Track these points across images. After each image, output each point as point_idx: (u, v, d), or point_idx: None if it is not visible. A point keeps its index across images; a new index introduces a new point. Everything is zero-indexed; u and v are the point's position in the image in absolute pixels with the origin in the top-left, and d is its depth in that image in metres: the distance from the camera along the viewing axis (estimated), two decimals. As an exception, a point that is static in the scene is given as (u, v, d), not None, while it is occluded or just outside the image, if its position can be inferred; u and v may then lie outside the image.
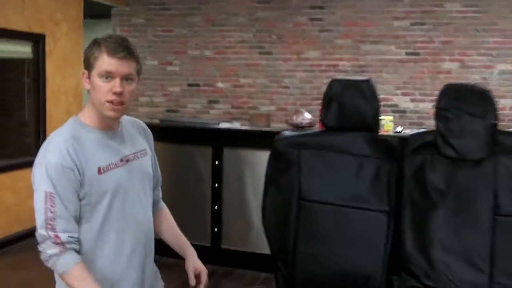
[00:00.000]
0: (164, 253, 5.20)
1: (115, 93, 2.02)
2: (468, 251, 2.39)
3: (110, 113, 2.07)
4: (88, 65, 2.07)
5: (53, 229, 1.99)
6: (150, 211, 2.30)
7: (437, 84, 6.79)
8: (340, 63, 7.15)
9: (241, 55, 7.39)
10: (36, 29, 6.55)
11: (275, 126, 6.22)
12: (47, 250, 2.01)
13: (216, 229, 5.64)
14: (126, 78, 2.05)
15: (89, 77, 2.07)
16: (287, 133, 2.78)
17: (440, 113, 2.43)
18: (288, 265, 2.61)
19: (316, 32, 7.15)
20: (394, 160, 2.54)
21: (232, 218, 5.43)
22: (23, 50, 6.65)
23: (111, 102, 2.04)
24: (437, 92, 6.74)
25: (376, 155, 2.56)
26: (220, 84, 7.48)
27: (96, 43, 2.06)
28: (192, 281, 2.32)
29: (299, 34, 7.19)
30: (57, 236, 1.99)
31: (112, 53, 2.02)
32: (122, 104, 2.05)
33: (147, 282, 2.25)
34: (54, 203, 1.99)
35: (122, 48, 2.04)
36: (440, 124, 2.42)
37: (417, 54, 6.95)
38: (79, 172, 2.02)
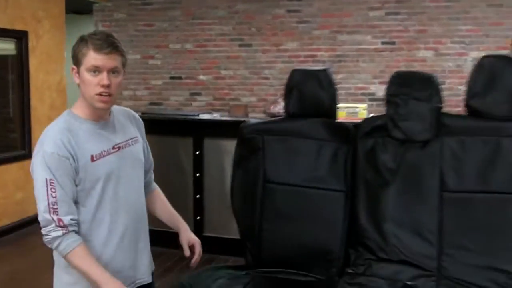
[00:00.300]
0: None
1: (103, 86, 2.18)
2: (417, 225, 2.58)
3: (100, 105, 2.23)
4: (77, 61, 2.22)
5: (56, 213, 2.16)
6: (143, 195, 2.48)
7: (413, 72, 6.98)
8: (318, 53, 7.27)
9: (222, 48, 7.51)
10: (19, 26, 6.65)
11: (253, 116, 6.38)
12: (51, 233, 2.17)
13: (198, 217, 5.80)
14: (112, 71, 2.20)
15: (78, 72, 2.23)
16: (252, 120, 2.98)
17: (390, 99, 2.61)
18: (255, 243, 2.80)
19: (294, 23, 7.26)
20: (350, 143, 2.73)
21: (214, 206, 5.58)
22: (7, 47, 6.76)
23: (99, 94, 2.19)
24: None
25: (333, 139, 2.75)
26: (201, 77, 7.61)
27: (83, 40, 2.21)
28: (187, 252, 2.55)
29: (277, 26, 7.30)
30: (60, 220, 2.16)
31: (98, 49, 2.17)
32: (110, 96, 2.21)
33: (140, 262, 2.43)
34: (54, 188, 2.16)
35: (107, 44, 2.19)
36: (389, 109, 2.61)
37: (393, 43, 7.07)
38: (74, 160, 2.19)
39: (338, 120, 2.92)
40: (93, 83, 2.19)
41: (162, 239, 5.05)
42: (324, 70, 2.82)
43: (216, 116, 6.15)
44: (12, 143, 6.95)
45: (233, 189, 2.88)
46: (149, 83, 7.66)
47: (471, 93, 2.56)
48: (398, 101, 2.58)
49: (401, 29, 7.00)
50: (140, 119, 2.56)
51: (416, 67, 6.93)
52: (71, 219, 2.20)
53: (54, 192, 2.16)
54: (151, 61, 7.63)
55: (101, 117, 2.32)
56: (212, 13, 7.47)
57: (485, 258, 2.48)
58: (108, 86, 2.19)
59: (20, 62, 6.78)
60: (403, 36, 7.02)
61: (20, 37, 6.71)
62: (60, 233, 2.17)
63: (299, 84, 2.80)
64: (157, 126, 5.92)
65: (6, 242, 6.27)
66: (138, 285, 2.42)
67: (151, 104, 7.58)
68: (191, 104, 7.64)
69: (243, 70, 7.48)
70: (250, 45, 7.44)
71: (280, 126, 2.87)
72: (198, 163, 5.63)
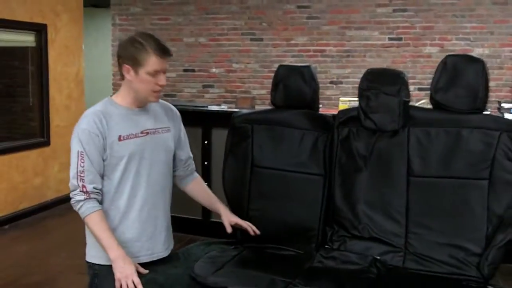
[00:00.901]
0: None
1: (161, 86, 2.58)
2: (387, 206, 2.83)
3: (155, 99, 2.64)
4: (136, 63, 2.54)
5: (82, 180, 2.53)
6: (167, 178, 2.80)
7: (419, 68, 7.12)
8: (327, 48, 7.44)
9: (234, 42, 7.70)
10: (38, 20, 6.95)
11: (258, 107, 6.62)
12: (76, 196, 2.55)
13: (206, 203, 6.09)
14: (164, 71, 2.60)
15: (135, 72, 2.55)
16: (243, 111, 3.25)
17: (362, 93, 2.87)
18: (243, 220, 3.07)
19: (304, 19, 7.42)
20: (329, 132, 2.99)
21: (221, 192, 5.79)
22: (27, 39, 7.06)
23: (156, 91, 2.59)
24: (418, 76, 7.08)
25: (314, 128, 3.02)
26: (214, 70, 7.82)
27: (142, 45, 2.53)
28: (229, 229, 2.94)
29: (288, 21, 7.47)
30: (84, 186, 2.53)
31: (161, 56, 2.54)
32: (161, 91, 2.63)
33: (159, 237, 2.75)
34: (84, 160, 2.53)
35: (167, 51, 2.57)
36: (362, 102, 2.86)
37: (400, 39, 7.18)
38: (103, 138, 2.55)
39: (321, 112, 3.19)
40: (152, 83, 2.56)
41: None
42: (308, 67, 3.08)
43: (224, 107, 6.41)
44: (31, 130, 7.24)
45: (224, 173, 3.15)
46: None
47: (436, 89, 2.79)
48: (370, 95, 2.83)
49: (408, 25, 7.11)
50: (178, 113, 2.92)
51: (422, 63, 7.09)
52: (94, 188, 2.56)
53: (83, 162, 2.53)
54: None
55: (139, 105, 2.67)
56: (224, 8, 7.66)
57: (446, 236, 2.70)
58: (163, 85, 2.59)
59: (39, 54, 7.08)
60: (410, 33, 7.11)
61: (40, 30, 7.00)
62: (82, 197, 2.54)
63: (284, 78, 3.06)
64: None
65: (25, 224, 6.61)
66: (155, 258, 2.72)
67: (165, 95, 7.78)
68: (204, 96, 7.86)
69: (254, 63, 7.67)
70: (261, 40, 7.62)
71: (267, 116, 3.14)
72: (206, 152, 5.88)
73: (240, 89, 7.69)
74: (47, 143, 7.23)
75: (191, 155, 3.00)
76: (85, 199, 2.54)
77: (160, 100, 2.82)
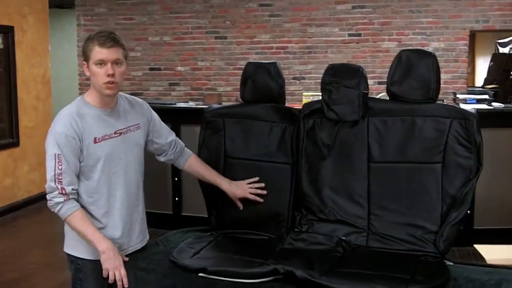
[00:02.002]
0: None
1: (108, 76, 2.61)
2: (350, 191, 3.03)
3: (108, 92, 2.66)
4: (86, 57, 2.66)
5: (60, 182, 2.61)
6: (140, 174, 2.93)
7: (378, 62, 7.31)
8: (289, 45, 7.56)
9: (198, 40, 7.79)
10: (5, 22, 7.00)
11: (225, 104, 6.78)
12: (54, 199, 2.63)
13: (177, 198, 6.23)
14: (115, 62, 2.63)
15: (87, 66, 2.68)
16: (214, 105, 3.44)
17: (324, 86, 3.07)
18: (217, 208, 3.26)
19: (266, 17, 7.54)
20: (295, 124, 3.19)
21: (191, 187, 5.84)
22: (-6, 42, 7.14)
23: (107, 83, 2.62)
24: (378, 70, 7.28)
25: (282, 121, 3.21)
26: (179, 68, 7.89)
27: (89, 39, 2.68)
28: (240, 206, 3.11)
29: (250, 19, 7.58)
30: (63, 188, 2.61)
31: (102, 44, 2.60)
32: (115, 83, 2.65)
33: (133, 232, 2.89)
34: (61, 162, 2.60)
35: (110, 39, 2.62)
36: (324, 95, 3.07)
37: (359, 35, 7.32)
38: (79, 140, 2.65)
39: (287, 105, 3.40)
40: (101, 74, 2.63)
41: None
42: (274, 63, 3.27)
43: (192, 104, 6.57)
44: (0, 132, 7.30)
45: (199, 164, 3.34)
46: (130, 74, 7.84)
47: (392, 81, 3.01)
48: (331, 88, 3.04)
49: (367, 21, 7.29)
50: (146, 104, 3.02)
51: (381, 58, 7.28)
52: (72, 189, 2.65)
53: (60, 165, 2.61)
54: (131, 53, 7.78)
55: (108, 105, 2.77)
56: (188, 7, 7.70)
57: (405, 216, 2.92)
58: (112, 75, 2.63)
59: (7, 56, 7.13)
60: (369, 28, 7.28)
61: (7, 32, 7.04)
62: (61, 199, 2.62)
63: (252, 75, 3.25)
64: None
65: (-3, 224, 6.68)
66: (130, 251, 2.85)
67: (132, 94, 7.83)
68: (170, 94, 7.93)
69: (219, 61, 7.77)
70: (225, 38, 7.71)
71: (237, 110, 3.33)
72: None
73: (206, 87, 7.80)
74: (16, 144, 7.30)
75: (174, 136, 3.13)
76: (65, 200, 2.63)
77: (128, 96, 2.95)
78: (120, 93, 2.85)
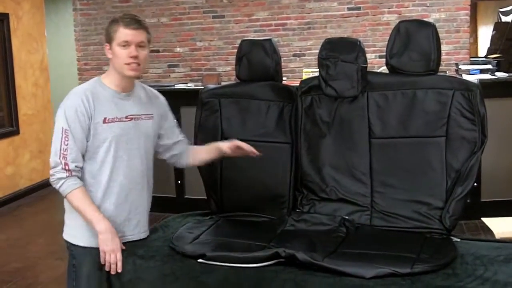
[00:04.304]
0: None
1: (132, 57, 2.58)
2: (352, 169, 2.97)
3: (130, 73, 2.62)
4: (109, 38, 2.63)
5: (65, 158, 2.57)
6: (147, 164, 2.81)
7: (378, 36, 7.22)
8: (288, 21, 7.48)
9: (196, 20, 7.69)
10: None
11: (224, 84, 6.70)
12: (57, 174, 2.59)
13: (179, 181, 6.19)
14: (139, 45, 2.61)
15: (110, 48, 2.64)
16: (210, 86, 3.36)
17: (322, 62, 3.00)
18: (217, 192, 3.19)
19: None
20: (293, 102, 3.11)
21: (193, 169, 5.88)
22: (-11, 29, 7.06)
23: (129, 64, 2.59)
24: (379, 43, 7.20)
25: (279, 99, 3.14)
26: (178, 49, 7.82)
27: (114, 20, 2.65)
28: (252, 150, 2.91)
29: None
30: (66, 164, 2.57)
31: (127, 25, 2.58)
32: (138, 65, 2.62)
33: (130, 222, 2.78)
34: (68, 137, 2.57)
35: (135, 21, 2.62)
36: (321, 71, 2.99)
37: (358, 8, 7.22)
38: (89, 118, 2.60)
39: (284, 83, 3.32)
40: (124, 55, 2.60)
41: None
42: (269, 40, 3.19)
43: (190, 85, 6.50)
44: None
45: (196, 146, 3.27)
46: None
47: (391, 54, 2.92)
48: (328, 63, 2.96)
49: None
50: (164, 101, 2.97)
51: (382, 31, 7.18)
52: (76, 166, 2.61)
53: (67, 140, 2.58)
54: None
55: (124, 89, 2.71)
56: (184, -13, 7.70)
57: (409, 193, 2.85)
58: (136, 57, 2.59)
59: (3, 43, 7.07)
60: (368, 2, 7.14)
61: (1, 19, 6.97)
62: (64, 175, 2.58)
63: (247, 53, 3.17)
64: (136, 98, 6.28)
65: (1, 213, 6.65)
66: (124, 241, 2.73)
67: (131, 77, 7.84)
68: (170, 75, 7.87)
69: (217, 41, 7.70)
70: (223, 17, 7.63)
71: (233, 90, 3.25)
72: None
73: (205, 67, 7.73)
74: (16, 132, 7.25)
75: (181, 138, 3.03)
76: (67, 176, 2.58)
77: (147, 87, 2.89)
78: (140, 82, 2.84)
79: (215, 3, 7.62)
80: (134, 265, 2.62)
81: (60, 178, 2.60)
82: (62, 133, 2.58)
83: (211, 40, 7.71)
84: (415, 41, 2.86)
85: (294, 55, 7.44)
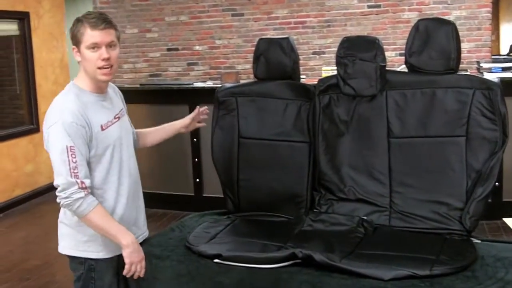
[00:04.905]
0: (151, 205, 5.72)
1: (103, 60, 2.43)
2: (370, 168, 2.94)
3: (103, 77, 2.48)
4: (76, 41, 2.46)
5: (77, 176, 2.38)
6: (136, 161, 2.79)
7: (398, 33, 7.14)
8: (307, 19, 7.42)
9: (215, 18, 7.66)
10: (20, 8, 6.95)
11: (243, 82, 6.68)
12: (74, 195, 2.39)
13: (197, 180, 6.18)
14: (109, 45, 2.46)
15: (79, 51, 2.49)
16: (227, 84, 3.34)
17: (339, 60, 2.97)
18: (234, 191, 3.18)
19: None
20: (311, 101, 3.09)
21: (211, 168, 5.84)
22: (10, 28, 7.06)
23: (101, 68, 2.46)
24: (399, 41, 7.15)
25: (297, 98, 3.12)
26: (197, 47, 7.80)
27: (79, 21, 2.47)
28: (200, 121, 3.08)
29: None
30: (82, 182, 2.39)
31: (94, 27, 2.41)
32: (111, 67, 2.50)
33: (139, 220, 2.78)
34: (75, 154, 2.38)
35: (102, 21, 2.45)
36: (340, 69, 2.96)
37: (378, 6, 7.15)
38: (89, 128, 2.47)
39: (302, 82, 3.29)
40: (94, 58, 2.44)
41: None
42: (287, 38, 3.17)
43: (209, 84, 6.50)
44: (20, 118, 7.28)
45: (213, 146, 3.24)
46: (148, 56, 7.84)
47: (410, 53, 2.89)
48: (347, 62, 2.93)
49: None
50: (121, 93, 2.85)
51: (402, 28, 7.10)
52: (89, 183, 2.45)
53: (74, 157, 2.39)
54: (148, 35, 7.79)
55: (101, 90, 2.59)
56: (204, -15, 7.69)
57: (429, 193, 2.81)
58: (108, 59, 2.45)
59: (23, 42, 7.10)
60: (388, -1, 7.21)
61: (22, 18, 7.00)
62: (82, 194, 2.40)
63: (265, 51, 3.15)
64: (155, 96, 6.32)
65: (20, 211, 6.69)
66: (139, 241, 2.69)
67: (150, 75, 7.84)
68: (189, 74, 7.86)
69: (236, 39, 7.67)
70: (242, 15, 7.59)
71: (250, 89, 3.23)
72: (195, 129, 5.94)
73: (224, 65, 7.70)
74: (36, 130, 7.27)
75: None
76: (86, 195, 2.41)
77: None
78: None
79: (234, 1, 7.59)
80: (150, 264, 2.61)
81: (78, 199, 2.41)
82: (67, 151, 2.39)
83: (230, 38, 7.68)
84: (434, 39, 2.82)
85: (314, 53, 7.39)
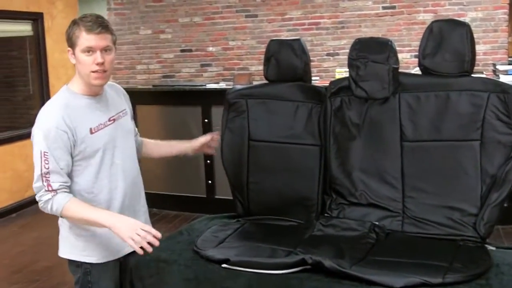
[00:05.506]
0: (164, 206, 5.69)
1: (97, 64, 2.39)
2: (382, 172, 2.88)
3: (96, 82, 2.45)
4: (71, 44, 2.43)
5: (47, 180, 2.37)
6: (136, 162, 2.75)
7: (413, 35, 7.07)
8: (321, 20, 7.38)
9: (229, 20, 7.65)
10: (34, 8, 6.96)
11: (256, 83, 6.64)
12: (42, 197, 2.39)
13: (210, 181, 6.15)
14: (105, 49, 2.42)
15: (73, 53, 2.45)
16: (237, 86, 3.30)
17: (351, 62, 2.91)
18: (243, 194, 3.13)
19: None
20: (322, 103, 3.03)
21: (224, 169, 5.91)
22: (24, 28, 7.07)
23: (95, 72, 2.42)
24: (414, 43, 7.09)
25: (308, 100, 3.07)
26: (211, 48, 7.78)
27: (75, 24, 2.43)
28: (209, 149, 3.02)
29: None
30: (49, 185, 2.37)
31: (90, 30, 2.37)
32: (105, 72, 2.45)
33: None
34: (48, 160, 2.36)
35: (97, 25, 2.40)
36: (351, 72, 2.91)
37: (393, 7, 7.10)
38: (72, 134, 2.42)
39: (315, 84, 3.24)
40: (88, 62, 2.40)
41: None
42: (298, 40, 3.12)
43: (222, 85, 6.47)
44: (33, 119, 7.23)
45: (222, 148, 3.20)
46: (161, 57, 7.84)
47: (423, 54, 2.83)
48: (359, 64, 2.87)
49: None
50: (127, 94, 2.81)
51: (417, 30, 7.03)
52: (60, 185, 2.39)
53: (47, 163, 2.37)
54: (162, 36, 7.79)
55: (96, 93, 2.55)
56: (218, -13, 7.67)
57: (442, 198, 2.75)
58: (102, 64, 2.41)
59: (37, 43, 7.10)
60: (403, 0, 6.99)
61: (36, 18, 7.01)
62: (49, 195, 2.38)
63: (275, 53, 3.11)
64: (167, 97, 6.29)
65: (32, 212, 6.64)
66: None
67: (164, 77, 7.83)
68: (202, 75, 7.84)
69: (250, 40, 7.64)
70: (256, 16, 7.57)
71: (261, 91, 3.19)
72: (207, 131, 5.86)
73: (238, 66, 7.68)
74: (49, 130, 7.27)
75: (136, 131, 2.91)
76: (53, 196, 2.39)
77: (110, 83, 2.71)
78: None
79: (248, 2, 7.56)
80: (157, 268, 2.58)
81: (48, 200, 2.39)
82: (41, 157, 2.38)
83: (243, 40, 7.66)
84: (448, 41, 2.76)
85: (328, 55, 7.34)
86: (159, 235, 2.33)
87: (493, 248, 2.61)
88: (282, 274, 2.39)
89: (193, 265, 2.56)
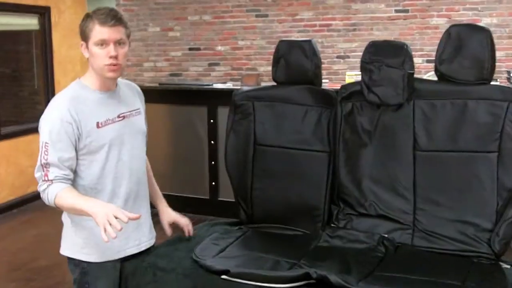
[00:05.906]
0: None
1: (111, 57, 2.37)
2: (393, 183, 2.76)
3: (110, 74, 2.41)
4: (85, 37, 2.41)
5: (46, 171, 2.35)
6: (144, 163, 2.68)
7: (426, 40, 6.99)
8: (333, 22, 7.31)
9: (239, 19, 7.58)
10: (41, 2, 6.90)
11: (264, 84, 6.54)
12: (41, 187, 2.37)
13: (213, 183, 6.04)
14: (118, 42, 2.40)
15: (87, 47, 2.41)
16: (244, 88, 3.18)
17: (364, 66, 2.79)
18: (247, 200, 3.01)
19: None
20: (332, 108, 2.91)
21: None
22: (30, 22, 7.00)
23: (109, 65, 2.38)
24: (426, 48, 6.99)
25: (317, 104, 2.94)
26: (219, 47, 7.72)
27: (88, 17, 2.41)
28: (168, 232, 2.77)
29: None
30: (46, 175, 2.35)
31: (103, 23, 2.35)
32: (118, 65, 2.41)
33: (144, 225, 2.63)
34: (47, 151, 2.34)
35: (111, 17, 2.37)
36: (364, 76, 2.78)
37: (406, 11, 7.06)
38: (77, 127, 2.38)
39: (324, 87, 3.11)
40: (102, 55, 2.37)
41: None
42: (309, 41, 2.99)
43: (229, 85, 6.36)
44: (38, 114, 7.19)
45: (226, 152, 3.08)
46: (169, 55, 7.78)
47: (440, 60, 2.71)
48: (372, 68, 2.75)
49: None
50: (142, 93, 2.76)
51: (430, 35, 6.95)
52: (55, 176, 2.35)
53: (46, 155, 2.35)
54: (170, 33, 7.74)
55: (108, 88, 2.51)
56: (228, -15, 7.58)
57: (456, 212, 2.63)
58: (115, 57, 2.37)
59: (43, 37, 7.04)
60: (416, 4, 6.97)
61: (43, 12, 6.96)
62: (45, 185, 2.35)
63: (285, 54, 2.98)
64: (174, 96, 6.18)
65: (34, 208, 6.60)
66: (143, 248, 2.60)
67: (171, 75, 7.75)
68: (210, 74, 7.77)
69: (259, 40, 7.57)
70: (266, 16, 7.50)
71: (268, 93, 3.07)
72: (213, 131, 5.85)
73: (246, 66, 7.60)
74: (53, 126, 7.20)
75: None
76: (48, 185, 2.36)
77: (126, 81, 2.70)
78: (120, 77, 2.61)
79: (258, 1, 7.49)
80: (155, 276, 2.48)
81: (44, 190, 2.37)
82: (43, 147, 2.36)
83: (253, 39, 7.58)
84: (467, 47, 2.64)
85: (338, 57, 7.25)
86: (132, 216, 2.22)
87: (508, 266, 2.50)
88: None
89: (191, 275, 2.44)
